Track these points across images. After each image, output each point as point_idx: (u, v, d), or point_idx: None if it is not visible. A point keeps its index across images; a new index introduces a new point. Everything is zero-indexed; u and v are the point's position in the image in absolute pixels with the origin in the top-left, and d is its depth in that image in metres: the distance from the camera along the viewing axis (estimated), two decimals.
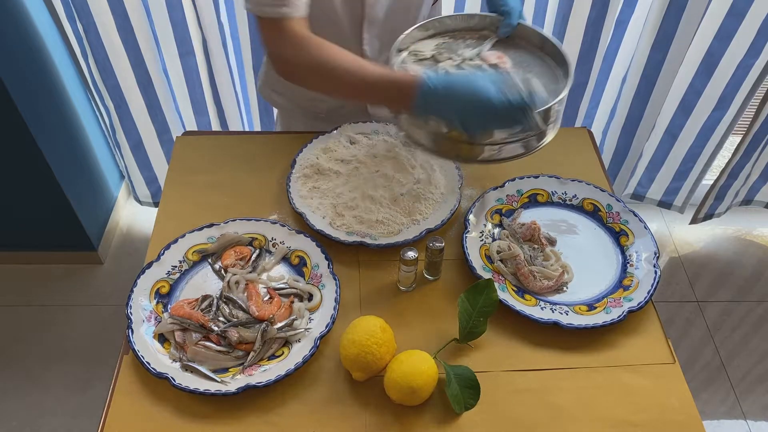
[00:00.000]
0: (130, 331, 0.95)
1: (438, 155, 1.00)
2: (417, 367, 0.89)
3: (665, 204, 2.25)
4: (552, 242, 1.11)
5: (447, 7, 1.76)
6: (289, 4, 0.93)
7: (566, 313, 1.00)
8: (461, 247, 1.08)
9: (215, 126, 2.02)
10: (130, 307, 0.98)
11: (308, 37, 0.96)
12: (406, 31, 1.08)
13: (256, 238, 1.09)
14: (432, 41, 1.11)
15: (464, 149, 0.95)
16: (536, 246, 1.08)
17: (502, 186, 1.17)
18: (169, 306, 1.01)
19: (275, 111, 1.42)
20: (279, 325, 0.96)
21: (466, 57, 1.06)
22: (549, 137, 1.00)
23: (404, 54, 1.08)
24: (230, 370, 0.93)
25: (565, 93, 0.96)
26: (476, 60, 1.05)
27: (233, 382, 0.91)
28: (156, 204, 2.20)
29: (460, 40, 1.10)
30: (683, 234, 2.29)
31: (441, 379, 0.92)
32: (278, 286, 1.03)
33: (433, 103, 0.89)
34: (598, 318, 0.99)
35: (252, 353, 0.94)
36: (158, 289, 1.02)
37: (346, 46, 0.98)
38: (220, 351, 0.94)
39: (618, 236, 1.12)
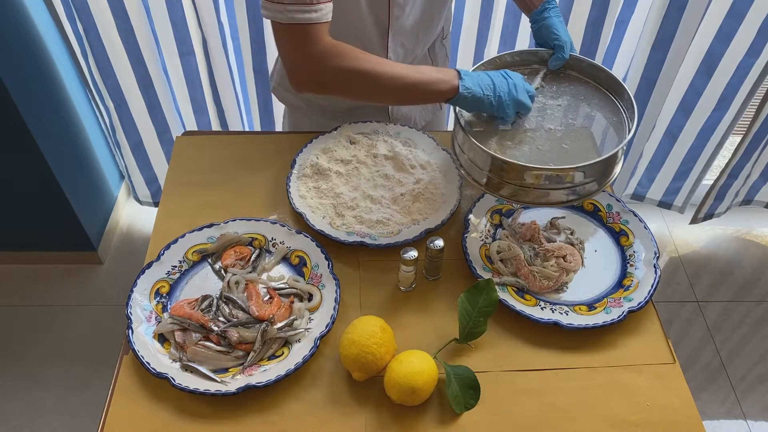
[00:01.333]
0: (130, 331, 0.95)
1: (493, 194, 1.03)
2: (417, 367, 0.89)
3: (665, 204, 2.25)
4: (551, 242, 1.10)
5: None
6: (318, 9, 0.91)
7: (566, 313, 1.00)
8: (461, 247, 1.08)
9: (215, 126, 2.02)
10: (130, 307, 0.98)
11: (338, 45, 0.95)
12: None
13: (256, 238, 1.09)
14: None
15: (519, 192, 1.00)
16: (536, 246, 1.09)
17: None
18: (169, 306, 1.01)
19: (283, 109, 1.42)
20: (279, 325, 0.96)
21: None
22: (595, 190, 1.02)
23: None
24: (230, 370, 0.93)
25: (628, 139, 1.00)
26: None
27: (233, 382, 0.91)
28: (156, 204, 2.21)
29: None
30: (683, 234, 2.29)
31: (441, 379, 0.92)
32: (278, 286, 1.03)
33: (475, 78, 0.99)
34: (598, 318, 0.99)
35: (252, 353, 0.94)
36: (158, 289, 1.02)
37: (372, 53, 0.99)
38: (220, 351, 0.94)
39: (618, 236, 1.12)
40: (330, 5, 0.93)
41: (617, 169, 1.03)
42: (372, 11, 1.09)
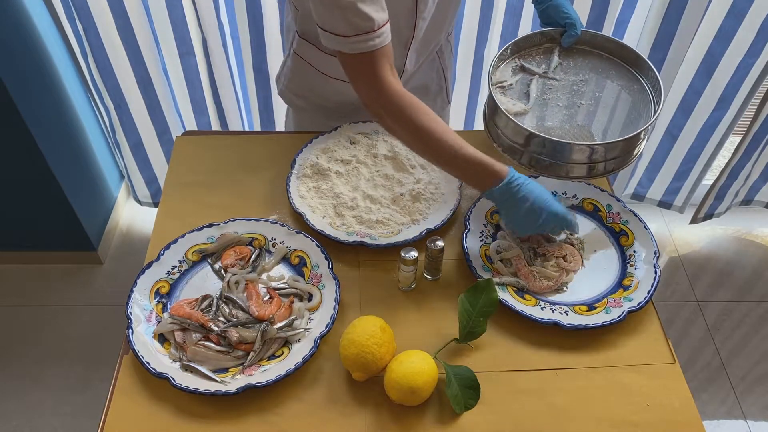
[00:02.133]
0: (130, 331, 0.95)
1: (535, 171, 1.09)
2: (417, 367, 0.89)
3: (665, 204, 2.25)
4: (550, 241, 1.10)
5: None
6: (380, 35, 0.91)
7: (566, 313, 1.00)
8: (461, 247, 1.08)
9: (215, 126, 2.02)
10: (130, 307, 0.98)
11: (405, 97, 0.95)
12: (491, 66, 1.13)
13: (256, 238, 1.09)
14: (508, 66, 1.18)
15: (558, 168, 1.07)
16: (536, 246, 1.08)
17: None
18: (169, 306, 1.01)
19: (286, 109, 1.42)
20: (279, 325, 0.96)
21: (541, 72, 1.16)
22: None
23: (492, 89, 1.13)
24: (230, 370, 0.93)
25: (654, 118, 1.06)
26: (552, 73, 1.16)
27: (233, 382, 0.91)
28: (156, 204, 2.20)
29: (529, 58, 1.18)
30: (683, 234, 2.29)
31: (441, 379, 0.92)
32: (278, 286, 1.03)
33: (507, 197, 0.98)
34: (598, 318, 0.99)
35: (252, 353, 0.94)
36: (158, 289, 1.02)
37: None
38: (220, 351, 0.94)
39: (618, 236, 1.12)
40: (389, 26, 0.94)
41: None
42: (395, 26, 1.08)
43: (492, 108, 1.10)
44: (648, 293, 1.02)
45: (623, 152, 1.06)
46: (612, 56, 1.18)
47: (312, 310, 1.00)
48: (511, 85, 1.15)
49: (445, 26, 1.21)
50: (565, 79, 1.14)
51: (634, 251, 1.09)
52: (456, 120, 2.00)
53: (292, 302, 1.00)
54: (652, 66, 1.11)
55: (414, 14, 1.08)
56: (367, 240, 1.08)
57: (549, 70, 1.15)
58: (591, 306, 1.02)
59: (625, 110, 1.10)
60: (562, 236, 1.11)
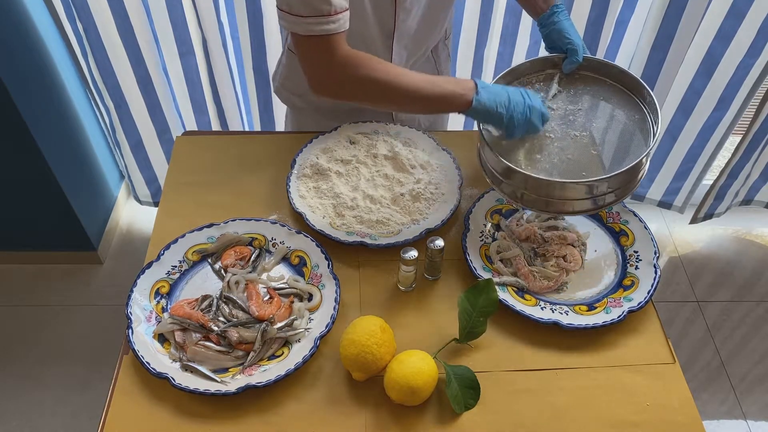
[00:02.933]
0: (130, 331, 0.95)
1: (525, 207, 1.04)
2: (417, 367, 0.89)
3: (665, 204, 2.25)
4: (552, 229, 1.10)
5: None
6: (335, 20, 0.92)
7: (566, 313, 1.00)
8: (461, 247, 1.08)
9: (215, 126, 2.02)
10: (130, 307, 0.98)
11: (356, 55, 0.96)
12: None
13: (256, 238, 1.09)
14: None
15: (550, 203, 1.01)
16: (535, 246, 1.08)
17: None
18: (169, 306, 1.01)
19: (285, 109, 1.42)
20: (279, 325, 0.96)
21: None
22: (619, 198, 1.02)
23: None
24: (230, 370, 0.93)
25: (652, 147, 0.99)
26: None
27: (233, 382, 0.91)
28: (156, 204, 2.20)
29: (528, 86, 1.13)
30: (683, 234, 2.29)
31: (441, 379, 0.92)
32: (278, 286, 1.03)
33: (492, 93, 0.98)
34: (598, 318, 0.99)
35: (252, 353, 0.94)
36: (158, 289, 1.02)
37: (376, 56, 1.00)
38: (220, 351, 0.94)
39: (618, 236, 1.12)
40: (347, 14, 0.94)
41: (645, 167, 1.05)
42: (377, 15, 1.09)
43: (481, 142, 1.05)
44: (648, 293, 1.02)
45: (624, 182, 0.99)
46: (615, 83, 1.11)
47: (312, 310, 1.00)
48: None
49: (438, 25, 1.20)
50: (561, 109, 1.08)
51: (634, 251, 1.09)
52: (456, 120, 2.00)
53: (292, 302, 1.00)
54: (651, 93, 1.05)
55: (393, 3, 1.08)
56: (367, 240, 1.08)
57: (546, 98, 1.09)
58: (591, 306, 1.02)
59: (624, 140, 1.04)
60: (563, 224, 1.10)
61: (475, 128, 1.07)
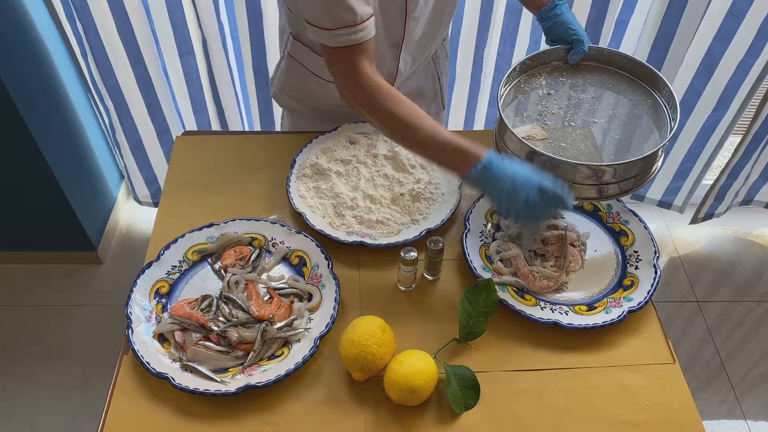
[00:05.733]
0: (129, 331, 0.95)
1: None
2: (417, 367, 0.89)
3: (665, 204, 2.25)
4: (546, 242, 1.10)
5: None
6: (363, 28, 0.93)
7: (566, 313, 1.00)
8: (461, 247, 1.08)
9: (215, 126, 2.02)
10: (130, 307, 0.98)
11: (382, 87, 0.96)
12: (501, 86, 1.09)
13: (256, 238, 1.09)
14: (515, 85, 1.13)
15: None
16: (535, 246, 1.08)
17: None
18: (168, 306, 1.01)
19: (282, 111, 1.42)
20: (279, 325, 0.96)
21: (546, 93, 1.11)
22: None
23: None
24: (230, 370, 0.93)
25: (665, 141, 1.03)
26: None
27: (233, 382, 0.91)
28: (156, 204, 2.20)
29: (534, 78, 1.13)
30: (683, 234, 2.29)
31: (441, 379, 0.92)
32: (278, 286, 1.03)
33: (487, 178, 0.91)
34: (597, 318, 0.99)
35: (252, 353, 0.94)
36: (158, 289, 1.02)
37: (383, 64, 1.02)
38: (220, 351, 0.94)
39: (618, 236, 1.12)
40: (373, 20, 0.95)
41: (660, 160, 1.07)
42: (387, 26, 1.09)
43: (501, 128, 1.04)
44: (648, 293, 1.02)
45: (640, 171, 1.00)
46: (621, 71, 1.13)
47: (312, 310, 1.00)
48: (520, 104, 1.12)
49: (440, 30, 1.21)
50: (575, 98, 1.09)
51: (634, 251, 1.09)
52: (456, 120, 2.00)
53: (292, 302, 1.00)
54: (664, 78, 1.06)
55: (404, 13, 1.08)
56: (367, 240, 1.08)
57: (554, 90, 1.11)
58: (591, 306, 1.02)
59: (637, 128, 1.05)
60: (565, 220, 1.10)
61: (483, 124, 1.08)
